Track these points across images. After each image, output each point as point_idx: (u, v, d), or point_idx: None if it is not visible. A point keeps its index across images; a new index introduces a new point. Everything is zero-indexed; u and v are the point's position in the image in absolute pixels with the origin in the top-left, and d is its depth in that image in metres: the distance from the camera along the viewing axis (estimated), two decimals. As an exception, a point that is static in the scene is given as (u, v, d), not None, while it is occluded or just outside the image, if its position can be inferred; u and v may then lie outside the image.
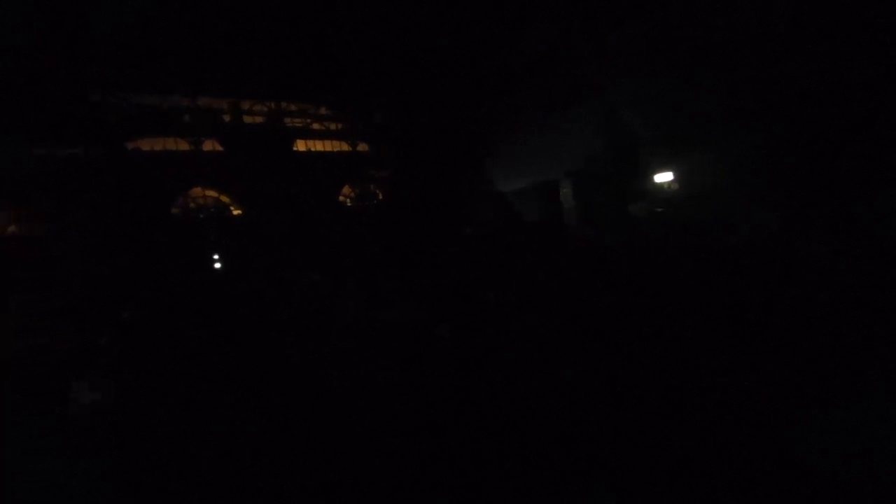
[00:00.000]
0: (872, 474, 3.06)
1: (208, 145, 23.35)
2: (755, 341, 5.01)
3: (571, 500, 3.37)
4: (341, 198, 28.21)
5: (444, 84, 27.02)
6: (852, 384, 3.85)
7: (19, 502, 3.73)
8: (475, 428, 4.33)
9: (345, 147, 28.84)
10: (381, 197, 29.10)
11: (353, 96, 27.60)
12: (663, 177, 16.10)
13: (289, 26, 21.73)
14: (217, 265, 19.67)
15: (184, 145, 22.69)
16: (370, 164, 29.04)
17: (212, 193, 23.42)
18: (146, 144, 21.24)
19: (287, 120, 26.25)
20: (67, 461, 4.15)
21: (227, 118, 24.00)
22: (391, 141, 29.12)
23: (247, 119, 24.90)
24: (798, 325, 5.01)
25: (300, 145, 26.83)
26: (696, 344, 5.38)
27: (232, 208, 23.96)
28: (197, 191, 23.00)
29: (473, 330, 6.86)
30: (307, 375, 5.78)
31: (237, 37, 21.09)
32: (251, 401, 5.16)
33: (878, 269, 5.45)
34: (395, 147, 29.06)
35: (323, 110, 27.67)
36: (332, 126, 28.35)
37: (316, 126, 27.57)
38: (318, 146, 27.80)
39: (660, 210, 14.59)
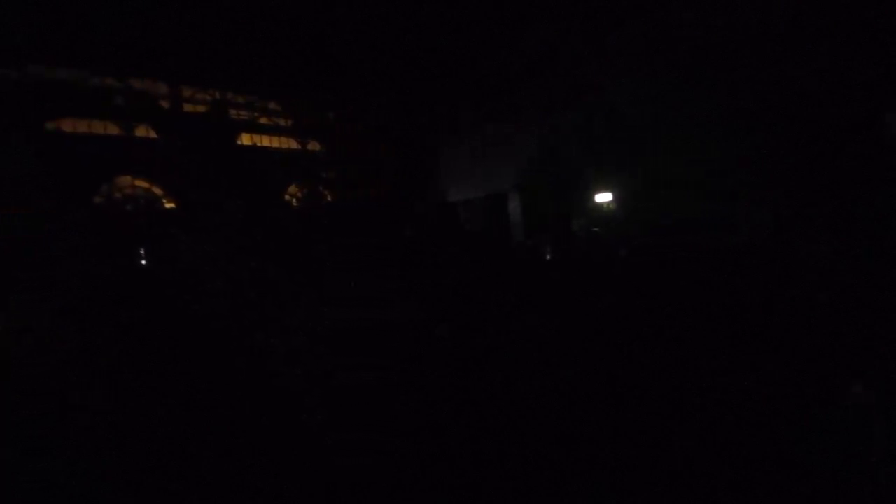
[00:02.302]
0: (872, 474, 3.06)
1: (141, 131, 21.80)
2: (753, 341, 5.01)
3: (571, 501, 3.38)
4: (287, 197, 27.43)
5: (400, 88, 26.74)
6: (852, 384, 3.86)
7: (19, 502, 3.73)
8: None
9: (293, 144, 28.08)
10: (328, 198, 28.36)
11: (304, 93, 26.97)
12: (604, 196, 16.92)
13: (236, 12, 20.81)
14: (143, 262, 18.44)
15: (113, 129, 21.06)
16: (319, 163, 28.26)
17: (142, 183, 22.21)
18: (69, 125, 19.71)
19: (232, 111, 25.16)
20: (67, 461, 4.15)
21: (164, 104, 22.72)
22: (343, 141, 28.50)
23: (187, 107, 23.62)
24: (798, 325, 5.01)
25: (245, 139, 25.81)
26: (695, 345, 5.37)
27: (164, 201, 22.68)
28: (125, 179, 21.70)
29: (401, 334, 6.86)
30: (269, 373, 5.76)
31: (178, 19, 19.92)
32: (236, 401, 5.15)
33: (878, 270, 5.45)
34: (348, 147, 28.39)
35: (272, 104, 26.92)
36: (281, 122, 27.50)
37: (263, 120, 26.61)
38: (265, 141, 26.90)
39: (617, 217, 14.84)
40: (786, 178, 12.85)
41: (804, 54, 12.78)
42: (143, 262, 18.64)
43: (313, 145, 28.71)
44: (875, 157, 11.44)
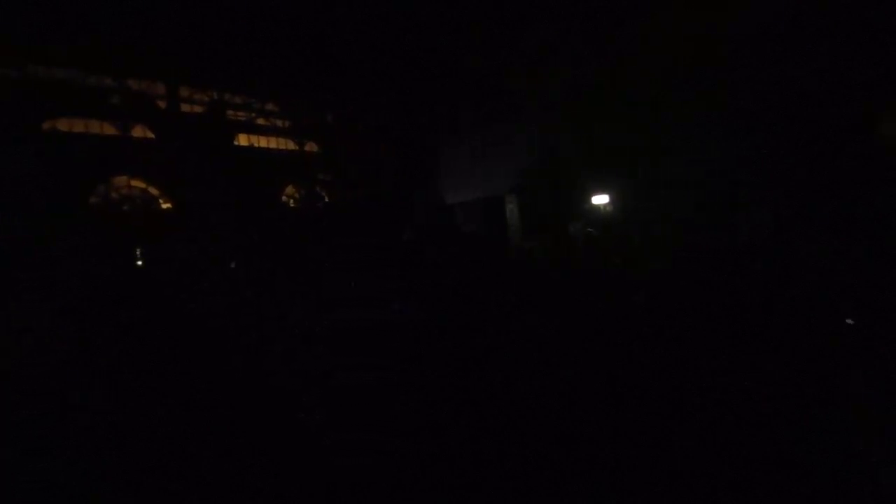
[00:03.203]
0: (872, 474, 3.06)
1: (138, 131, 21.66)
2: (753, 341, 5.00)
3: (571, 501, 3.37)
4: (284, 198, 27.46)
5: (394, 88, 26.76)
6: (852, 384, 3.86)
7: (19, 502, 3.73)
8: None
9: (291, 145, 27.98)
10: (326, 199, 28.32)
11: (302, 94, 26.92)
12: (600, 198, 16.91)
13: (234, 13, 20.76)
14: (140, 262, 18.25)
15: (110, 129, 20.87)
16: (316, 164, 28.15)
17: (139, 184, 22.00)
18: (65, 125, 19.51)
19: (229, 112, 25.07)
20: (67, 461, 4.14)
21: (161, 104, 22.57)
22: (342, 142, 28.41)
23: (184, 108, 23.50)
24: (798, 325, 5.00)
25: (242, 140, 25.70)
26: (695, 345, 5.37)
27: (161, 201, 22.53)
28: (122, 180, 21.46)
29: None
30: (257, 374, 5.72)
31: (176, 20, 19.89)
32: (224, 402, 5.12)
33: (878, 269, 5.44)
34: (347, 148, 28.28)
35: (270, 105, 26.81)
36: (279, 122, 27.33)
37: (261, 121, 26.44)
38: (262, 142, 26.78)
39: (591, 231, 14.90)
40: (786, 178, 12.85)
41: (804, 54, 12.79)
42: (140, 262, 18.55)
43: (311, 146, 28.67)
44: (875, 158, 11.44)
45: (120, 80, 21.14)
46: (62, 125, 19.49)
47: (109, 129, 21.01)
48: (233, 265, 12.96)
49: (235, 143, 25.41)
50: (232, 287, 10.05)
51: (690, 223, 13.76)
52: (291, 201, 27.71)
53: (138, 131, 21.80)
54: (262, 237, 21.00)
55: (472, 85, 24.02)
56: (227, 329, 7.28)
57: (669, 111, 15.86)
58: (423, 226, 20.87)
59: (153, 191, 22.25)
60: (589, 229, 14.94)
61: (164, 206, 22.39)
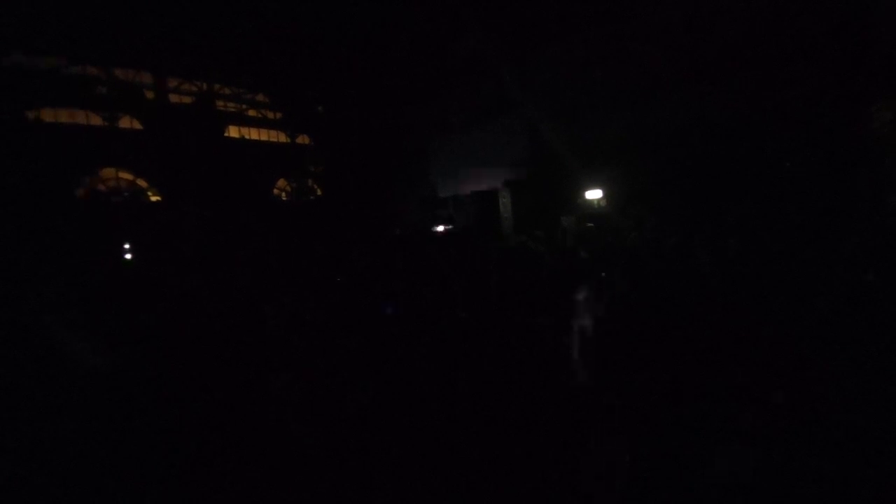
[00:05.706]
0: (872, 474, 3.14)
1: (125, 122, 21.56)
2: (752, 342, 5.07)
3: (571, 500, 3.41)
4: (276, 191, 27.55)
5: (381, 83, 26.70)
6: (853, 384, 3.93)
7: (19, 502, 3.70)
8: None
9: (282, 138, 27.87)
10: (318, 192, 28.13)
11: (290, 87, 26.74)
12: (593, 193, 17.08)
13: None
14: (128, 256, 18.15)
15: (96, 120, 20.76)
16: (308, 158, 27.92)
17: (126, 176, 21.95)
18: (49, 115, 19.40)
19: (219, 103, 24.90)
20: (70, 455, 4.10)
21: (149, 95, 22.38)
22: (330, 136, 28.26)
23: (173, 98, 23.32)
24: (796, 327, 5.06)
25: (232, 131, 25.60)
26: (693, 345, 5.43)
27: (150, 193, 22.47)
28: (109, 172, 21.46)
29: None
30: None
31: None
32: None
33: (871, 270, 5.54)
34: (333, 143, 28.14)
35: (260, 97, 26.54)
36: (269, 114, 27.10)
37: (251, 113, 26.24)
38: (253, 134, 26.63)
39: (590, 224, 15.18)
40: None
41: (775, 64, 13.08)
42: (130, 256, 18.35)
43: (302, 139, 28.36)
44: (859, 155, 11.65)
45: (106, 69, 20.74)
46: (46, 116, 19.14)
47: (96, 121, 20.71)
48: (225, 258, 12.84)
49: (226, 134, 25.13)
50: (227, 282, 9.93)
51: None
52: (283, 195, 27.48)
53: (125, 122, 21.50)
54: (253, 230, 20.90)
55: (464, 76, 23.90)
56: (220, 327, 7.18)
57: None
58: (416, 220, 20.82)
59: (141, 183, 21.99)
60: (589, 224, 14.98)
61: (154, 198, 22.18)
